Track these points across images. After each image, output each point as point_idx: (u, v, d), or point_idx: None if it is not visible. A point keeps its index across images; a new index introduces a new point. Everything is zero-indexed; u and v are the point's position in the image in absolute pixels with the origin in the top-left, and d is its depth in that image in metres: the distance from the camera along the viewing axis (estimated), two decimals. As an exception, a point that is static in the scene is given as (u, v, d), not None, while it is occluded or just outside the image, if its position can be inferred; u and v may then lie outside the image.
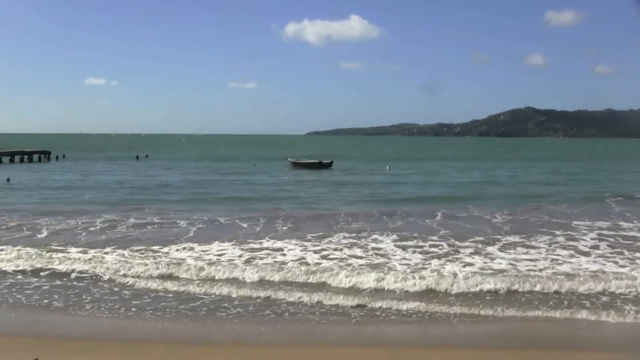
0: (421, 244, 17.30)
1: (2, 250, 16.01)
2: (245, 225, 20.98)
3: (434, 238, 18.29)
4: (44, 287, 12.96)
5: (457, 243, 17.39)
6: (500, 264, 14.73)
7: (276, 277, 13.27)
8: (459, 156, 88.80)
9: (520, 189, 35.98)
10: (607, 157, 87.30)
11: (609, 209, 25.47)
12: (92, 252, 15.94)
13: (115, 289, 12.76)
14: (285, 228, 20.40)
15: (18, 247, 16.36)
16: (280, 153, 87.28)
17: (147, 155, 76.94)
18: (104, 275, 13.83)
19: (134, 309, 11.41)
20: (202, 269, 13.93)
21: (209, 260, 15.04)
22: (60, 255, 15.58)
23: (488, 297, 11.96)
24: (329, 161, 55.62)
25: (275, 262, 14.87)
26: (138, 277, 13.57)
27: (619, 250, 16.49)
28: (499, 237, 18.54)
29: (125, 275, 13.66)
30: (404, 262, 14.88)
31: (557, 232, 19.38)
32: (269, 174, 47.38)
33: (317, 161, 56.12)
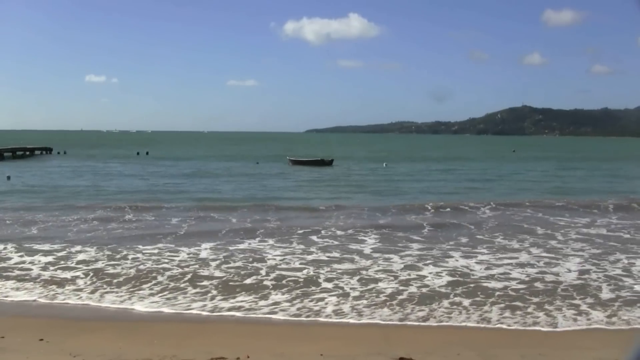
0: (399, 247, 17.35)
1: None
2: (234, 220, 21.89)
3: (417, 238, 18.61)
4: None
5: (441, 246, 17.46)
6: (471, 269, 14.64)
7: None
8: (460, 155, 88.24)
9: (518, 189, 36.08)
10: (610, 157, 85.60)
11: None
12: (61, 253, 16.03)
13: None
14: (270, 225, 21.05)
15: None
16: (284, 151, 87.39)
17: (147, 152, 77.45)
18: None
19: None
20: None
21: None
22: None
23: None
24: (330, 159, 56.78)
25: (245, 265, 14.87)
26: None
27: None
28: (484, 238, 18.79)
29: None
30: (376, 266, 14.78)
31: (540, 233, 19.93)
32: (270, 173, 47.62)
33: (318, 159, 57.40)
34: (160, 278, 13.58)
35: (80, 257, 15.68)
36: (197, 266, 14.77)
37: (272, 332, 9.99)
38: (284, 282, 13.27)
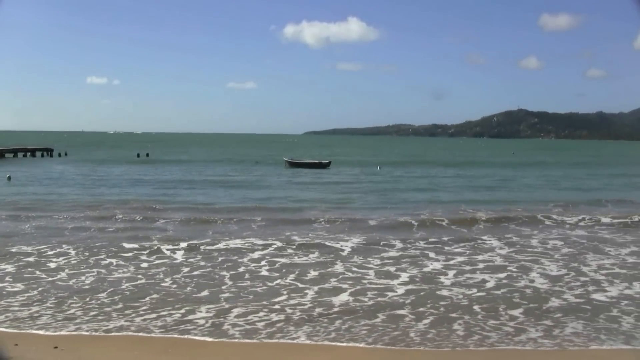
0: (381, 248, 17.47)
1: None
2: (221, 223, 22.10)
3: (402, 240, 18.63)
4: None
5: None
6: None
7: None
8: (458, 158, 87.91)
9: (516, 192, 35.86)
10: (613, 162, 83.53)
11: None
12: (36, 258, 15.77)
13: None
14: (256, 227, 21.15)
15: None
16: (285, 152, 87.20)
17: (147, 154, 77.29)
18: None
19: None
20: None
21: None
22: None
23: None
24: (327, 161, 57.05)
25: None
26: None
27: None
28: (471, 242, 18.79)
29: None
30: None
31: (526, 234, 20.17)
32: (267, 174, 47.44)
33: (316, 161, 57.73)
34: (103, 292, 12.61)
35: (52, 263, 15.19)
36: (160, 275, 14.19)
37: (286, 342, 9.93)
38: (233, 295, 12.59)
